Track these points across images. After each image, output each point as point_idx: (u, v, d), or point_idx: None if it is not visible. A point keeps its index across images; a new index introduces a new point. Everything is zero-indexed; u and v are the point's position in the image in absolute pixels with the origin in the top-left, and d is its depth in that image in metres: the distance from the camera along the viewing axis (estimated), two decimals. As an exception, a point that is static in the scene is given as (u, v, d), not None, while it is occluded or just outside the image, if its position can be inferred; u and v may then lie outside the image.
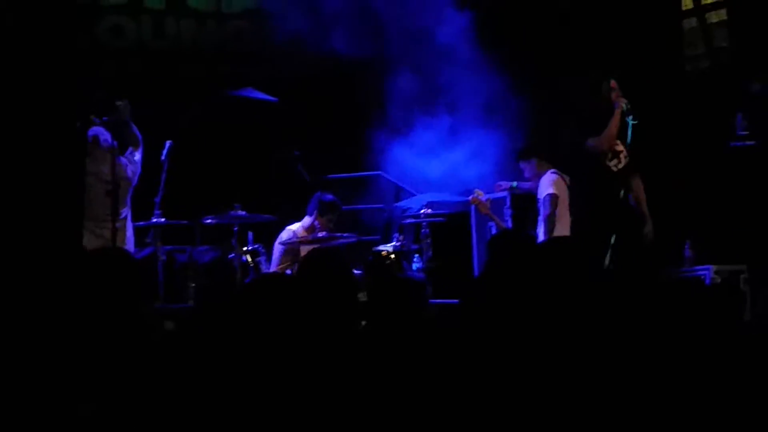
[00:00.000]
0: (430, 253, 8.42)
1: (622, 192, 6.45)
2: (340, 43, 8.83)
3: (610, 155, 6.44)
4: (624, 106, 6.42)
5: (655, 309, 3.59)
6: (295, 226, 8.43)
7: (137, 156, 7.40)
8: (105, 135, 7.11)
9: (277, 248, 8.37)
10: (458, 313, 3.95)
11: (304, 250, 8.28)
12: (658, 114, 8.81)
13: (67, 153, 4.59)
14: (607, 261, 6.14)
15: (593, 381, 3.30)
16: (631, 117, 6.42)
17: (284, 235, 8.36)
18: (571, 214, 6.85)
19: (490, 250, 4.61)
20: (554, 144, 7.29)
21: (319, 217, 8.32)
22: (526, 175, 7.90)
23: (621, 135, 6.46)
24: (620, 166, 6.48)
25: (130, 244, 7.33)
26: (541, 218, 7.50)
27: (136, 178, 7.39)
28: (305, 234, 8.36)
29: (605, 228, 6.27)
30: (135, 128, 7.42)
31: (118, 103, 7.21)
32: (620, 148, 6.51)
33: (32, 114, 4.46)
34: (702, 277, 7.89)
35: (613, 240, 6.21)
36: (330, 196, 8.37)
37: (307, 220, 8.45)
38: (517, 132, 8.72)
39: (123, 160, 7.27)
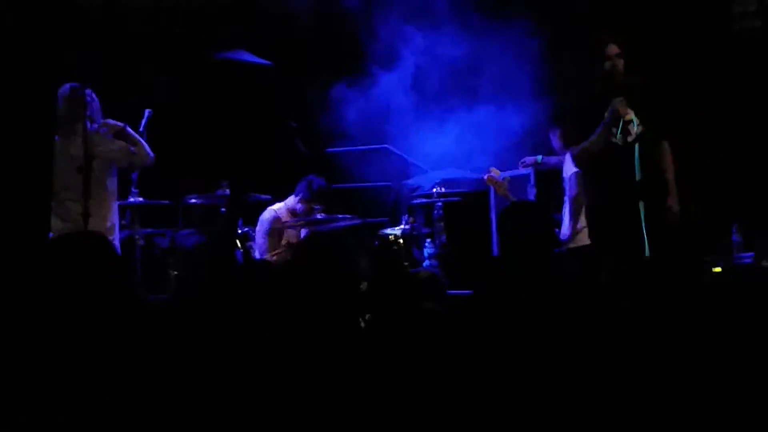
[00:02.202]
0: (444, 237, 8.43)
1: (637, 167, 6.35)
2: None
3: (614, 130, 6.35)
4: (618, 117, 6.30)
5: (701, 303, 3.54)
6: (278, 206, 8.47)
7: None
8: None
9: (261, 231, 8.40)
10: (470, 305, 3.93)
11: (291, 234, 8.33)
12: (700, 80, 8.77)
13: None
14: (645, 243, 6.12)
15: (622, 382, 3.32)
16: (636, 125, 6.33)
17: (266, 215, 8.40)
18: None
19: (499, 229, 4.58)
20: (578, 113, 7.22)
21: (304, 203, 8.36)
22: (554, 147, 7.92)
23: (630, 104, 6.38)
24: (630, 138, 6.40)
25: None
26: (566, 198, 7.51)
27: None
28: (289, 216, 8.39)
29: (622, 208, 6.21)
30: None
31: None
32: (629, 117, 6.40)
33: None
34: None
35: (643, 212, 6.18)
36: (320, 183, 8.40)
37: (291, 201, 8.48)
38: (545, 99, 8.67)
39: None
